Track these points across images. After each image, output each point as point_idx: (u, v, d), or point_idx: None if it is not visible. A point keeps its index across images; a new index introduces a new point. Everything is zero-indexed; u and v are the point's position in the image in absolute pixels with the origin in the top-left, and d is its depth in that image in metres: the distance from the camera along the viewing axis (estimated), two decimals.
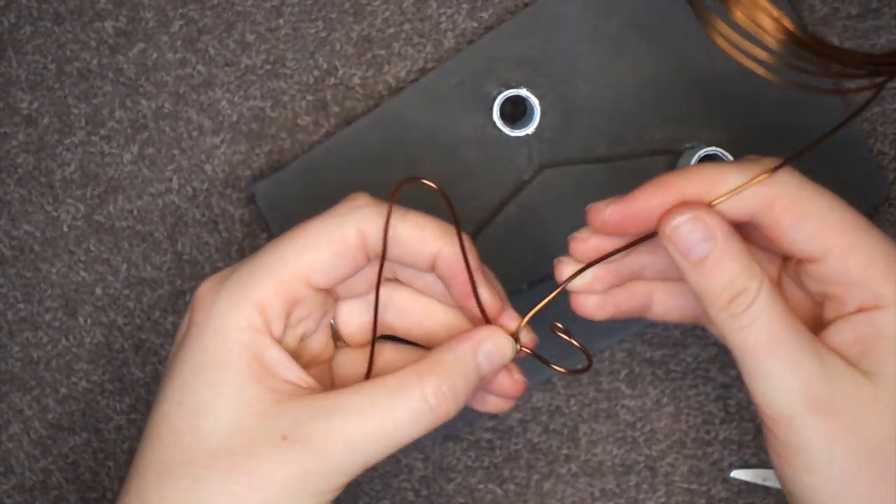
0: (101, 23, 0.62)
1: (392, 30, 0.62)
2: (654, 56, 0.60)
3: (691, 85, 0.60)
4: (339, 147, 0.60)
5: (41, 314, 0.63)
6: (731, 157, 0.55)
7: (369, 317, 0.50)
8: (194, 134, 0.62)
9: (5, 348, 0.63)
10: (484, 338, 0.46)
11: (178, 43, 0.62)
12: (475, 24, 0.61)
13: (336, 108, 0.62)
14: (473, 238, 0.60)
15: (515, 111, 0.61)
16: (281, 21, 0.62)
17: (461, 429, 0.62)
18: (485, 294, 0.48)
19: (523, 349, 0.49)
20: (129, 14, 0.62)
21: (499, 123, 0.58)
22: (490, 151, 0.60)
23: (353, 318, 0.51)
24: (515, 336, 0.48)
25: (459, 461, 0.63)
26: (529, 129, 0.57)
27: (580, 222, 0.60)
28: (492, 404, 0.50)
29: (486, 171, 0.60)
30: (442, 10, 0.61)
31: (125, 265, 0.63)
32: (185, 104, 0.62)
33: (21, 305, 0.63)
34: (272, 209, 0.60)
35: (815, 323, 0.46)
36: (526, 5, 0.61)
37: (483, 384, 0.47)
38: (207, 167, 0.62)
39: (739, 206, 0.44)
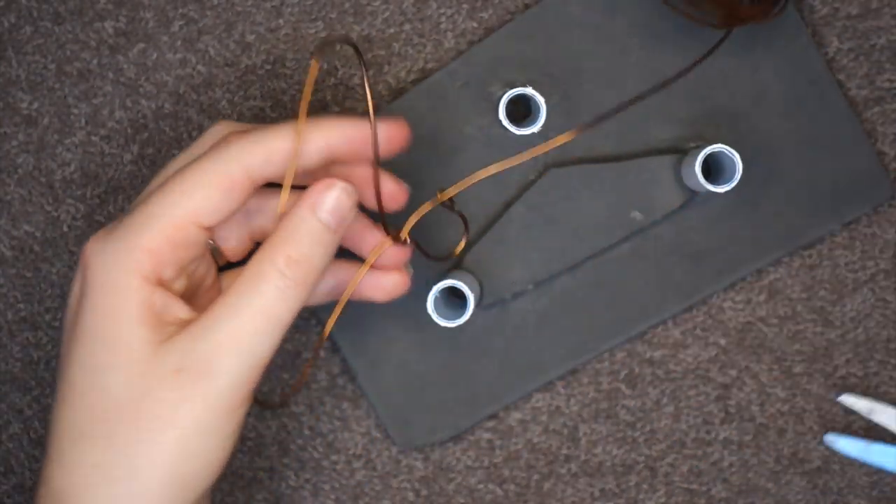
0: (101, 23, 0.62)
1: (392, 30, 0.62)
2: (658, 55, 0.60)
3: (696, 84, 0.60)
4: None
5: (41, 314, 0.63)
6: (736, 156, 0.55)
7: (246, 230, 0.51)
8: (194, 134, 0.62)
9: (5, 348, 0.63)
10: (316, 195, 0.46)
11: (178, 43, 0.62)
12: (475, 24, 0.61)
13: (336, 108, 0.62)
14: (478, 237, 0.60)
15: (516, 111, 0.61)
16: (281, 21, 0.62)
17: (461, 429, 0.62)
18: (388, 183, 0.50)
19: (398, 239, 0.50)
20: (129, 14, 0.62)
21: (505, 122, 0.58)
22: (495, 151, 0.60)
23: (232, 233, 0.52)
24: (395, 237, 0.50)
25: (459, 461, 0.63)
26: (535, 128, 0.57)
27: (586, 221, 0.60)
28: (387, 282, 0.52)
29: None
30: (442, 10, 0.61)
31: None
32: (185, 104, 0.62)
33: (21, 305, 0.63)
34: None
35: None
36: (526, 6, 0.61)
37: (341, 241, 0.48)
38: None
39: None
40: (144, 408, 0.44)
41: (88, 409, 0.44)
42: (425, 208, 0.49)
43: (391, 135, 0.49)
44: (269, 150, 0.46)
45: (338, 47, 0.59)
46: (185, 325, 0.45)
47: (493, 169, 0.47)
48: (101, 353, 0.44)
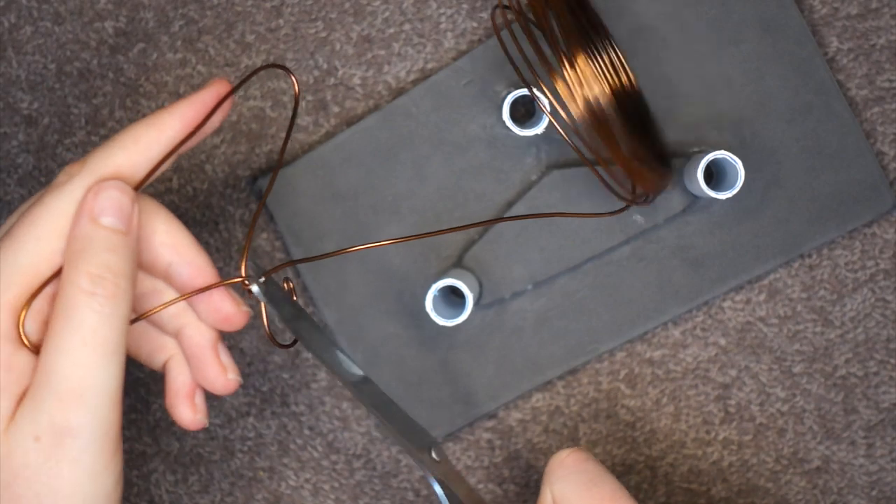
0: (101, 23, 0.62)
1: (392, 30, 0.62)
2: (663, 60, 0.60)
3: (699, 89, 0.60)
4: (347, 144, 0.60)
5: None
6: (739, 162, 0.55)
7: None
8: None
9: None
10: (91, 201, 0.43)
11: (178, 43, 0.62)
12: (475, 24, 0.61)
13: (336, 108, 0.62)
14: (479, 237, 0.60)
15: (520, 111, 0.61)
16: (281, 21, 0.62)
17: (461, 429, 0.62)
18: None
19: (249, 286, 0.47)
20: (129, 14, 0.62)
21: (508, 123, 0.58)
22: (498, 151, 0.60)
23: None
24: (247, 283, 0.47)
25: (459, 461, 0.63)
26: (538, 129, 0.57)
27: (587, 223, 0.60)
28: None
29: (493, 171, 0.60)
30: (442, 10, 0.61)
31: None
32: None
33: None
34: (279, 205, 0.60)
35: None
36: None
37: (137, 244, 0.44)
38: (207, 167, 0.62)
39: None
40: (17, 488, 0.40)
41: None
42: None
43: (205, 104, 0.46)
44: (109, 173, 0.44)
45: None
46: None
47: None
48: None
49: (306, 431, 0.63)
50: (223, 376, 0.47)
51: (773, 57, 0.59)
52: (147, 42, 0.62)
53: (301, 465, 0.63)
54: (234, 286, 0.47)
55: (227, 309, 0.47)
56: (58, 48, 0.62)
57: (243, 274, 0.46)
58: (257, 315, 0.48)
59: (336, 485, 0.63)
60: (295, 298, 0.49)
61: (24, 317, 0.42)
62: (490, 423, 0.63)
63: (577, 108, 0.49)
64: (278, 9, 0.62)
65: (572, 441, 0.62)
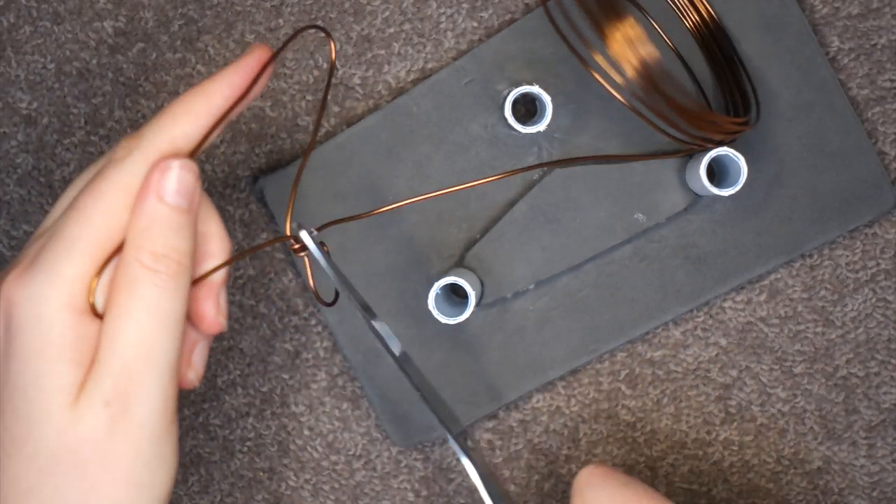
0: (100, 23, 0.62)
1: (392, 30, 0.62)
2: (665, 57, 0.60)
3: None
4: (349, 143, 0.60)
5: None
6: (741, 158, 0.56)
7: None
8: None
9: None
10: (157, 180, 0.43)
11: (178, 43, 0.62)
12: (475, 24, 0.61)
13: (336, 108, 0.62)
14: (481, 235, 0.60)
15: (522, 109, 0.61)
16: (281, 21, 0.62)
17: (459, 427, 0.62)
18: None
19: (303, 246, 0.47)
20: (129, 14, 0.62)
21: (510, 120, 0.58)
22: (500, 150, 0.60)
23: None
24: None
25: (459, 461, 0.63)
26: (541, 127, 0.57)
27: (589, 222, 0.60)
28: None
29: (495, 170, 0.60)
30: (442, 10, 0.61)
31: None
32: None
33: None
34: (279, 205, 0.60)
35: None
36: (527, 6, 0.61)
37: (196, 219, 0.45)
38: (207, 167, 0.62)
39: None
40: (84, 454, 0.41)
41: (29, 462, 0.42)
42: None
43: (248, 73, 0.46)
44: (166, 147, 0.44)
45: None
46: None
47: None
48: (33, 402, 0.42)
49: (306, 432, 0.63)
50: (218, 316, 0.47)
51: (774, 56, 0.60)
52: (146, 42, 0.62)
53: (301, 466, 0.63)
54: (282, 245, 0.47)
55: (208, 311, 0.47)
56: (57, 48, 0.62)
57: (288, 232, 0.47)
58: (300, 271, 0.48)
59: (336, 485, 0.63)
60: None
61: (95, 287, 0.42)
62: (490, 424, 0.63)
63: (631, 70, 0.51)
64: (278, 8, 0.62)
65: (572, 441, 0.62)
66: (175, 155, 0.43)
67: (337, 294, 0.50)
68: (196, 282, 0.46)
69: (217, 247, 0.46)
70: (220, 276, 0.46)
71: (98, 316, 0.42)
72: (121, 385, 0.41)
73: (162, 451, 0.43)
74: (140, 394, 0.42)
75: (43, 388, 0.41)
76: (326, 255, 0.48)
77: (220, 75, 0.45)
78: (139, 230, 0.42)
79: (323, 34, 0.44)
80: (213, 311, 0.46)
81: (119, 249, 0.43)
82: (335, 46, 0.46)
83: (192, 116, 0.44)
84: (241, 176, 0.62)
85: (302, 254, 0.47)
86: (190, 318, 0.46)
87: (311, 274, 0.49)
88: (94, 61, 0.62)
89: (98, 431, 0.41)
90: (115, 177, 0.43)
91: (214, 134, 0.45)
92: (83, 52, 0.62)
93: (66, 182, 0.62)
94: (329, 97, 0.62)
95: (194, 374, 0.47)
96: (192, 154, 0.44)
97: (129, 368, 0.41)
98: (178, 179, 0.43)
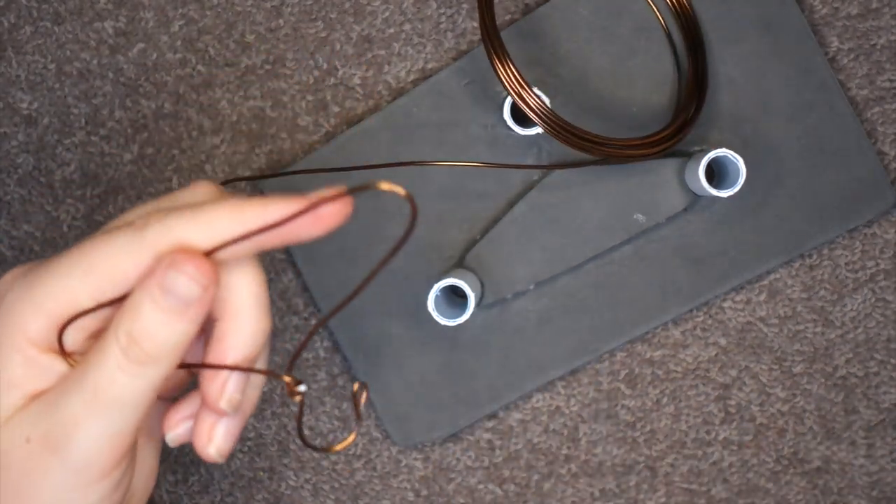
0: (100, 23, 0.62)
1: (392, 30, 0.62)
2: (664, 58, 0.60)
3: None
4: (348, 145, 0.60)
5: None
6: (740, 159, 0.56)
7: None
8: (194, 134, 0.62)
9: None
10: (161, 272, 0.40)
11: (178, 43, 0.62)
12: (475, 24, 0.61)
13: (336, 108, 0.62)
14: (480, 236, 0.60)
15: (521, 111, 0.61)
16: (281, 21, 0.62)
17: (461, 429, 0.62)
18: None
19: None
20: (129, 14, 0.62)
21: (510, 122, 0.58)
22: (499, 151, 0.60)
23: None
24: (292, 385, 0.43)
25: (459, 461, 0.63)
26: (540, 129, 0.57)
27: (589, 223, 0.60)
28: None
29: (495, 171, 0.60)
30: (442, 10, 0.61)
31: None
32: (184, 104, 0.62)
33: None
34: None
35: None
36: (526, 6, 0.61)
37: (200, 320, 0.42)
38: (207, 167, 0.62)
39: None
40: (4, 484, 0.41)
41: None
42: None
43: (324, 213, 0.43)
44: (187, 235, 0.41)
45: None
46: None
47: None
48: None
49: (307, 432, 0.63)
50: (219, 400, 0.44)
51: (773, 56, 0.60)
52: (147, 42, 0.62)
53: (301, 466, 0.63)
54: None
55: (209, 392, 0.44)
56: (57, 48, 0.62)
57: (288, 378, 0.43)
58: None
59: (336, 485, 0.63)
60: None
61: (61, 334, 0.41)
62: (490, 424, 0.63)
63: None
64: (278, 8, 0.62)
65: (572, 441, 0.62)
66: (193, 251, 0.40)
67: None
68: (190, 367, 0.44)
69: (245, 326, 0.43)
70: (238, 357, 0.43)
71: (65, 354, 0.41)
72: (50, 433, 0.40)
73: (80, 499, 0.41)
74: (66, 448, 0.40)
75: None
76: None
77: (270, 203, 0.41)
78: (129, 307, 0.40)
79: (407, 201, 0.40)
80: (214, 393, 0.43)
81: (93, 310, 0.41)
82: (416, 212, 0.41)
83: (213, 227, 0.41)
84: (241, 176, 0.62)
85: (297, 397, 0.44)
86: (202, 394, 0.44)
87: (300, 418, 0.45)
88: (95, 61, 0.62)
89: (15, 461, 0.41)
90: (128, 244, 0.41)
91: (241, 248, 0.41)
92: (83, 52, 0.62)
93: (67, 182, 0.62)
94: (329, 97, 0.62)
95: (215, 450, 0.44)
96: (211, 252, 0.40)
97: (64, 425, 0.40)
98: (182, 284, 0.40)
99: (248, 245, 0.40)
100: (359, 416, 0.43)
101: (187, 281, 0.39)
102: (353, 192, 0.41)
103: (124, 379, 0.40)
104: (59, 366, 0.42)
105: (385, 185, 0.39)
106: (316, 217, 0.41)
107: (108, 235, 0.41)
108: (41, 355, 0.41)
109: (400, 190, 0.39)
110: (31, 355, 0.41)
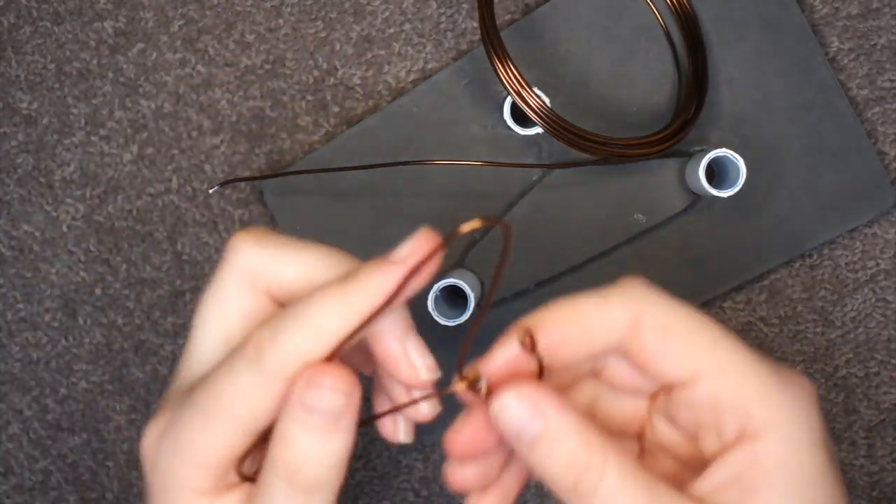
0: (100, 23, 0.62)
1: (392, 30, 0.62)
2: (664, 58, 0.60)
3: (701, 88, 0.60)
4: (348, 145, 0.60)
5: (41, 314, 0.63)
6: (740, 159, 0.55)
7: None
8: (194, 134, 0.62)
9: (5, 349, 0.63)
10: (301, 391, 0.38)
11: (178, 43, 0.62)
12: (475, 24, 0.61)
13: (336, 108, 0.62)
14: (481, 238, 0.60)
15: (516, 111, 0.61)
16: (281, 21, 0.62)
17: None
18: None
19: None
20: (129, 14, 0.62)
21: (509, 122, 0.58)
22: (500, 151, 0.60)
23: None
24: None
25: None
26: (540, 129, 0.57)
27: (589, 223, 0.60)
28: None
29: (495, 171, 0.60)
30: (442, 10, 0.61)
31: (125, 265, 0.63)
32: (184, 104, 0.62)
33: (21, 306, 0.63)
34: (280, 206, 0.60)
35: (694, 462, 0.41)
36: (526, 6, 0.61)
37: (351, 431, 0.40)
38: (207, 167, 0.62)
39: (601, 337, 0.40)
40: None
41: None
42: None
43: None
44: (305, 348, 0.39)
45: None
46: None
47: None
48: None
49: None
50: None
51: (774, 56, 0.60)
52: (146, 42, 0.62)
53: None
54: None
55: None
56: (57, 48, 0.62)
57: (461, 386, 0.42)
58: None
59: None
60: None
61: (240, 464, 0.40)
62: None
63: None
64: (278, 8, 0.62)
65: None
66: (321, 362, 0.38)
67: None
68: (364, 424, 0.41)
69: (403, 370, 0.42)
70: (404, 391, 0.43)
71: (248, 479, 0.40)
72: None
73: None
74: None
75: None
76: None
77: (366, 279, 0.40)
78: (279, 439, 0.39)
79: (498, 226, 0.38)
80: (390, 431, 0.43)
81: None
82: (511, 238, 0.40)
83: (337, 316, 0.39)
84: (241, 176, 0.62)
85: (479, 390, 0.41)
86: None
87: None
88: (95, 61, 0.62)
89: None
90: (252, 379, 0.39)
91: (356, 335, 0.39)
92: (83, 52, 0.62)
93: (67, 182, 0.62)
94: (329, 97, 0.62)
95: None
96: (334, 355, 0.39)
97: None
98: (325, 400, 0.38)
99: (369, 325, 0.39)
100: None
101: (329, 394, 0.38)
102: (448, 241, 0.39)
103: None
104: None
105: (468, 227, 0.38)
106: (417, 276, 0.40)
107: (228, 374, 0.39)
108: (215, 500, 0.40)
109: (483, 223, 0.38)
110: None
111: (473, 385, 0.41)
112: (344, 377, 0.38)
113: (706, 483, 0.38)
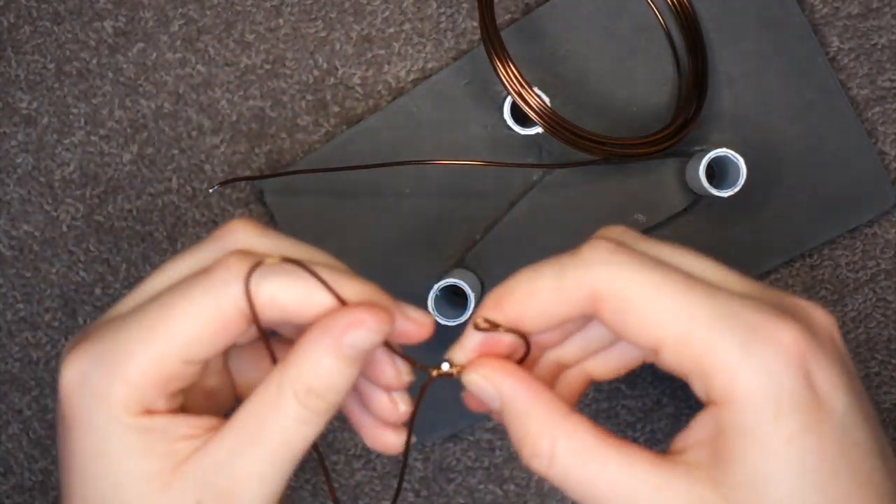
0: (100, 22, 0.62)
1: (392, 30, 0.62)
2: (664, 58, 0.60)
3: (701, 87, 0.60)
4: (348, 144, 0.60)
5: (41, 314, 0.63)
6: (740, 159, 0.55)
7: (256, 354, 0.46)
8: (194, 134, 0.62)
9: (5, 348, 0.63)
10: (342, 328, 0.40)
11: (178, 43, 0.62)
12: (475, 24, 0.61)
13: (336, 108, 0.62)
14: (481, 236, 0.60)
15: (516, 111, 0.61)
16: (281, 21, 0.62)
17: (461, 429, 0.62)
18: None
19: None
20: (129, 14, 0.62)
21: (509, 122, 0.58)
22: (499, 151, 0.60)
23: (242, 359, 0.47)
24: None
25: (459, 461, 0.63)
26: (540, 128, 0.57)
27: (588, 223, 0.60)
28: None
29: (495, 171, 0.60)
30: (442, 10, 0.61)
31: (125, 265, 0.62)
32: (184, 104, 0.62)
33: (20, 306, 0.63)
34: (280, 206, 0.60)
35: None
36: (526, 5, 0.61)
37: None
38: (207, 167, 0.62)
39: (559, 310, 0.40)
40: None
41: None
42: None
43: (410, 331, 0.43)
44: (275, 295, 0.40)
45: None
46: (194, 439, 0.40)
47: None
48: (106, 495, 0.40)
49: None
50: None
51: (774, 56, 0.60)
52: (146, 41, 0.62)
53: (301, 466, 0.63)
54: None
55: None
56: (57, 48, 0.62)
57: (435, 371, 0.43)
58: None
59: (336, 485, 0.63)
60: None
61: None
62: (490, 423, 0.62)
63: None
64: (278, 8, 0.61)
65: None
66: (369, 303, 0.40)
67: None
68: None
69: (388, 377, 0.43)
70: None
71: (164, 411, 0.41)
72: (222, 494, 0.40)
73: None
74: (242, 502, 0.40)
75: (113, 485, 0.40)
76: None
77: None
78: (302, 362, 0.40)
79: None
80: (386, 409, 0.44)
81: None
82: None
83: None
84: (241, 176, 0.62)
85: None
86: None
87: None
88: (94, 61, 0.62)
89: None
90: (199, 296, 0.40)
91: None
92: (83, 51, 0.62)
93: (67, 182, 0.62)
94: (329, 97, 0.62)
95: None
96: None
97: (237, 485, 0.40)
98: (364, 339, 0.40)
99: None
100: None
101: (374, 336, 0.40)
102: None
103: (304, 430, 0.40)
104: (169, 422, 0.40)
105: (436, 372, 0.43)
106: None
107: (185, 292, 0.40)
108: (152, 420, 0.40)
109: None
110: (144, 424, 0.40)
111: (443, 372, 0.43)
112: (386, 317, 0.40)
113: (687, 438, 0.39)
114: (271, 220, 0.61)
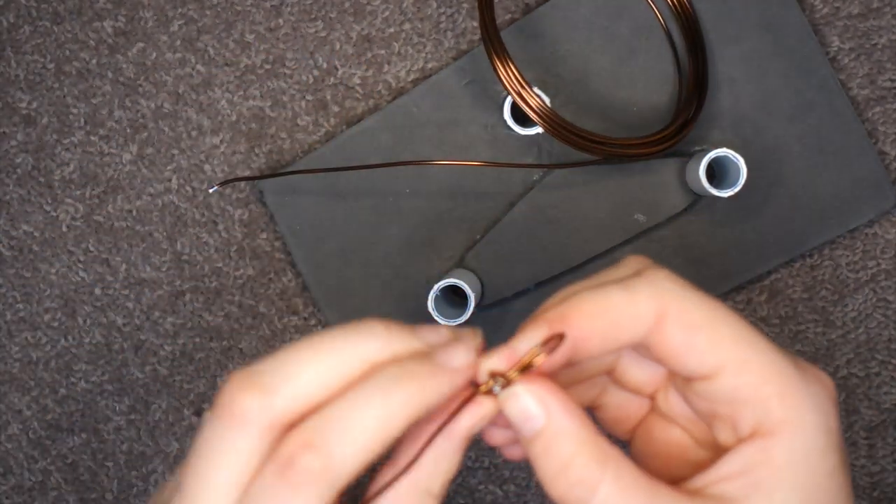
0: (100, 22, 0.62)
1: (392, 29, 0.62)
2: (664, 58, 0.60)
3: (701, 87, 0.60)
4: (349, 144, 0.60)
5: (40, 314, 0.63)
6: (741, 159, 0.55)
7: None
8: (193, 134, 0.62)
9: (4, 349, 0.63)
10: (467, 418, 0.38)
11: (178, 43, 0.62)
12: (475, 24, 0.61)
13: (336, 108, 0.62)
14: (481, 236, 0.60)
15: (516, 111, 0.61)
16: (280, 21, 0.62)
17: None
18: None
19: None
20: (129, 14, 0.62)
21: (509, 122, 0.58)
22: (499, 151, 0.60)
23: None
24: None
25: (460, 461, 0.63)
26: (540, 128, 0.57)
27: (589, 223, 0.60)
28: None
29: (495, 171, 0.60)
30: (442, 10, 0.61)
31: (124, 265, 0.62)
32: (184, 104, 0.62)
33: (20, 305, 0.63)
34: (280, 206, 0.60)
35: (706, 445, 0.42)
36: (526, 5, 0.61)
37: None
38: (207, 167, 0.62)
39: (628, 331, 0.39)
40: None
41: None
42: None
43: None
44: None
45: None
46: None
47: None
48: None
49: None
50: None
51: (774, 56, 0.59)
52: (146, 41, 0.62)
53: None
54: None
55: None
56: (57, 47, 0.62)
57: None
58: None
59: None
60: None
61: None
62: None
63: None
64: (278, 8, 0.61)
65: None
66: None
67: None
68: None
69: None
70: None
71: None
72: None
73: None
74: None
75: None
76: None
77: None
78: (430, 466, 0.38)
79: None
80: None
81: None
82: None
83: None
84: (241, 176, 0.62)
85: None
86: None
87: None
88: (94, 61, 0.62)
89: None
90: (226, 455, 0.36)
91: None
92: (83, 51, 0.62)
93: (66, 182, 0.62)
94: (329, 97, 0.62)
95: None
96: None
97: None
98: (482, 419, 0.38)
99: None
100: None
101: (489, 414, 0.38)
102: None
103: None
104: None
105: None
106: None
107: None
108: None
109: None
110: None
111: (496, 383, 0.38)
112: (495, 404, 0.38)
113: (713, 474, 0.38)
114: (271, 220, 0.61)
